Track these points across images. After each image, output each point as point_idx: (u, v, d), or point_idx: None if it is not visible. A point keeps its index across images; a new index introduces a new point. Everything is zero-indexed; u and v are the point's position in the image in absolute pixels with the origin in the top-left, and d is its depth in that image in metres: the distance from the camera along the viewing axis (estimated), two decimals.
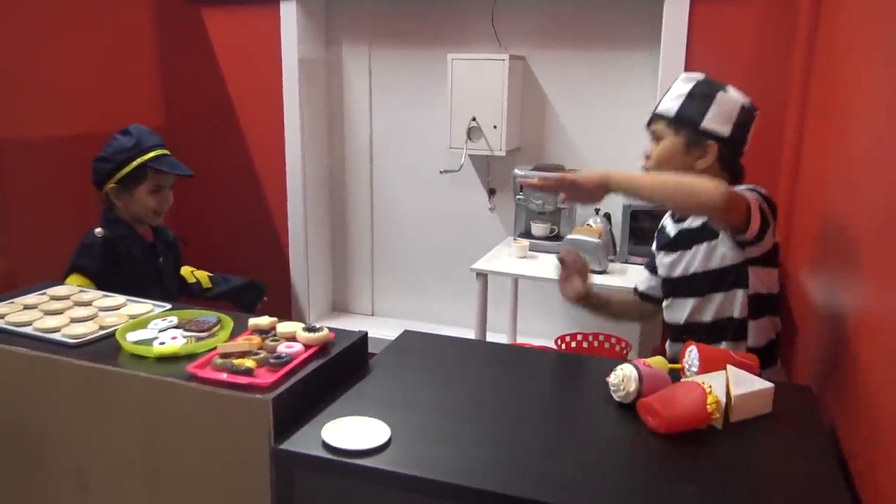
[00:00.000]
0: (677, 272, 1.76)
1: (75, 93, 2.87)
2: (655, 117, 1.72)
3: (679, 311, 1.78)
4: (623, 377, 1.36)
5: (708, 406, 1.26)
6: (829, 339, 1.62)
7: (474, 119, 2.78)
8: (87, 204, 3.00)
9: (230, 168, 3.31)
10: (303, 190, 3.17)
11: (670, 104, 1.68)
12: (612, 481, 1.15)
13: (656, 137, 1.71)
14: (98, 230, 2.06)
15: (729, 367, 1.41)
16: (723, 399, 1.30)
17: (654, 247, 1.93)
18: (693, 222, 1.73)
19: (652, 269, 1.92)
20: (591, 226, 2.50)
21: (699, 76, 1.70)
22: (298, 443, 1.22)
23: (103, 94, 2.99)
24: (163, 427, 1.34)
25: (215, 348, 1.39)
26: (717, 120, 1.65)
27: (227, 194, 3.36)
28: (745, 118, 1.67)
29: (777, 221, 1.64)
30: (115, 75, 3.06)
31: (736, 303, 1.67)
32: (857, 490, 1.19)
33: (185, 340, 1.45)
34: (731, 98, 1.67)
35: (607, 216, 2.64)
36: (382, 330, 2.87)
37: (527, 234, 2.70)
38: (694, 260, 1.72)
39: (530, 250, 2.58)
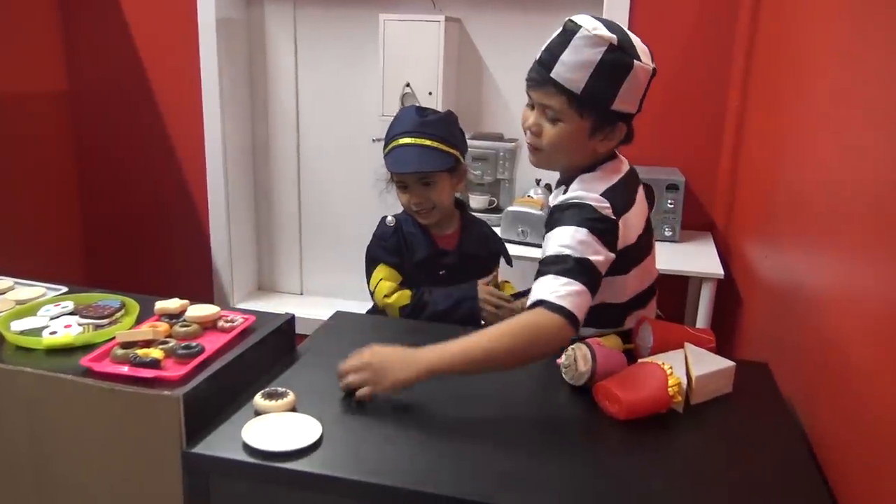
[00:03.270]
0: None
1: None
2: (547, 84, 1.28)
3: None
4: (574, 357, 1.25)
5: (669, 389, 1.17)
6: (783, 313, 1.56)
7: (408, 85, 2.62)
8: None
9: (142, 137, 3.05)
10: (223, 160, 2.94)
11: (573, 75, 1.25)
12: (569, 476, 1.03)
13: (552, 116, 1.30)
14: (390, 217, 1.79)
15: (687, 345, 1.32)
16: (684, 381, 1.20)
17: None
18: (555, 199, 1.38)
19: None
20: (531, 197, 2.38)
21: (608, 36, 1.23)
22: (214, 445, 1.06)
23: None
24: (54, 430, 1.15)
25: (115, 338, 1.21)
26: (630, 98, 1.28)
27: (139, 166, 3.10)
28: (649, 84, 1.32)
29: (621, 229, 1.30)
30: (7, 32, 2.75)
31: None
32: (824, 471, 1.11)
33: (80, 329, 1.26)
34: (645, 69, 1.27)
35: (548, 187, 2.53)
36: (312, 310, 2.70)
37: None
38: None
39: None
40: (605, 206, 1.27)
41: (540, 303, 1.16)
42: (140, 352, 1.16)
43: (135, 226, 3.18)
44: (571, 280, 1.17)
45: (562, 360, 1.27)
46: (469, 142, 2.49)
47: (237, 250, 3.09)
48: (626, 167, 1.42)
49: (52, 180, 3.06)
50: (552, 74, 1.27)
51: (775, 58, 1.91)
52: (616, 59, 1.24)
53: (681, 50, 2.43)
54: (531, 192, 2.44)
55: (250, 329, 1.32)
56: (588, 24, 1.26)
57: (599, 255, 1.22)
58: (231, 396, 1.18)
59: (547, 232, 1.28)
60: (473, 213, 1.96)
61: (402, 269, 1.73)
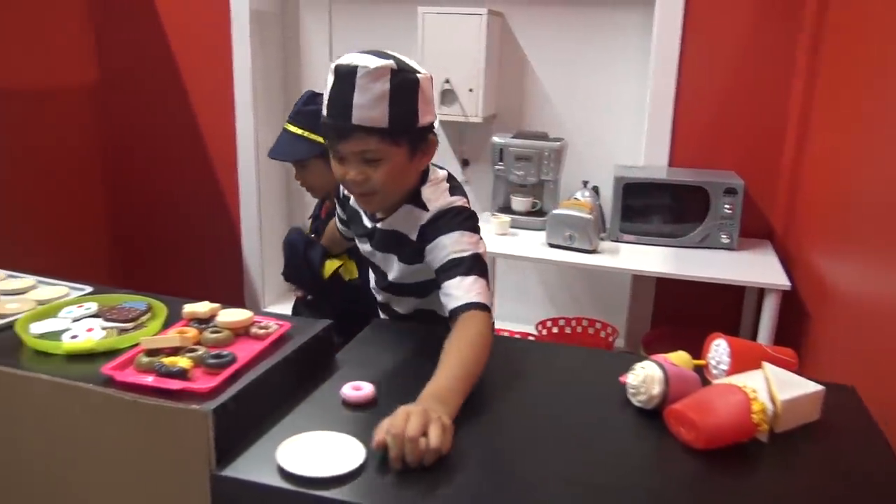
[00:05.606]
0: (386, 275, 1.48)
1: None
2: (354, 131, 1.24)
3: (403, 306, 1.53)
4: (645, 378, 1.12)
5: (754, 415, 1.04)
6: (868, 331, 1.41)
7: (447, 81, 2.51)
8: (8, 165, 2.65)
9: (172, 134, 2.98)
10: (255, 158, 2.86)
11: (374, 113, 1.23)
12: None
13: (370, 157, 1.27)
14: None
15: (766, 364, 1.19)
16: (769, 406, 1.07)
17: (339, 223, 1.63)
18: (387, 225, 1.41)
19: None
20: (578, 199, 2.26)
21: (386, 63, 1.22)
22: (246, 468, 0.95)
23: (25, 48, 2.63)
24: (70, 443, 1.06)
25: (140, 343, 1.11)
26: (427, 108, 1.29)
27: (168, 162, 3.02)
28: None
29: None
30: (38, 24, 2.69)
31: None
32: None
33: (103, 333, 1.16)
34: (426, 77, 1.28)
35: (595, 189, 2.41)
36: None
37: (506, 208, 2.45)
38: (390, 266, 1.45)
39: (511, 227, 2.33)
40: (465, 203, 1.37)
41: (469, 306, 1.22)
42: (166, 360, 1.05)
43: (163, 222, 3.11)
44: (476, 277, 1.25)
45: (628, 379, 1.15)
46: (511, 141, 2.39)
47: (269, 252, 3.00)
48: (442, 173, 1.44)
49: (79, 174, 3.00)
50: (354, 121, 1.24)
51: (847, 54, 1.77)
52: (402, 81, 1.25)
53: (737, 46, 2.29)
54: (577, 195, 2.32)
55: (286, 336, 1.21)
56: (360, 60, 1.24)
57: (481, 246, 1.32)
58: (265, 411, 1.07)
59: (428, 243, 1.32)
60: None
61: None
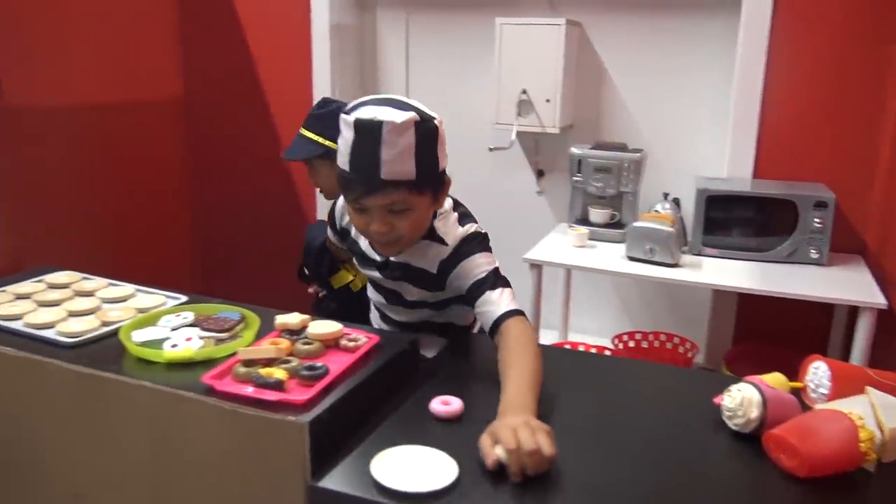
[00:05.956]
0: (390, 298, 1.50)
1: (87, 60, 2.63)
2: (384, 187, 1.24)
3: (413, 317, 1.52)
4: (742, 400, 1.09)
5: (861, 444, 0.99)
6: None
7: (524, 91, 2.50)
8: (100, 179, 2.78)
9: (253, 144, 3.06)
10: None
11: (402, 167, 1.23)
12: None
13: (399, 209, 1.27)
14: None
15: (870, 389, 1.14)
16: (877, 433, 1.03)
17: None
18: (402, 259, 1.42)
19: None
20: (659, 212, 2.21)
21: (411, 116, 1.21)
22: (342, 480, 0.97)
23: (117, 62, 2.75)
24: (173, 449, 1.09)
25: (236, 353, 1.14)
26: (444, 152, 1.32)
27: (250, 172, 3.11)
28: None
29: None
30: (130, 40, 2.81)
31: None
32: None
33: (201, 343, 1.20)
34: (439, 121, 1.30)
35: (676, 201, 2.36)
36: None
37: (584, 220, 2.42)
38: (406, 291, 1.46)
39: (588, 239, 2.31)
40: (477, 229, 1.41)
41: (507, 315, 1.28)
42: (263, 371, 1.08)
43: (243, 232, 3.19)
44: (502, 288, 1.32)
45: (723, 401, 1.12)
46: (590, 152, 2.36)
47: None
48: (448, 201, 1.46)
49: (165, 185, 3.12)
50: (383, 176, 1.23)
51: None
52: (426, 131, 1.25)
53: (827, 52, 2.21)
54: (658, 207, 2.27)
55: (374, 349, 1.22)
56: (383, 115, 1.22)
57: (496, 262, 1.38)
58: (356, 423, 1.09)
59: (450, 273, 1.36)
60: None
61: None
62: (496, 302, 1.29)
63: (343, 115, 1.27)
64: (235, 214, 3.19)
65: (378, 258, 1.45)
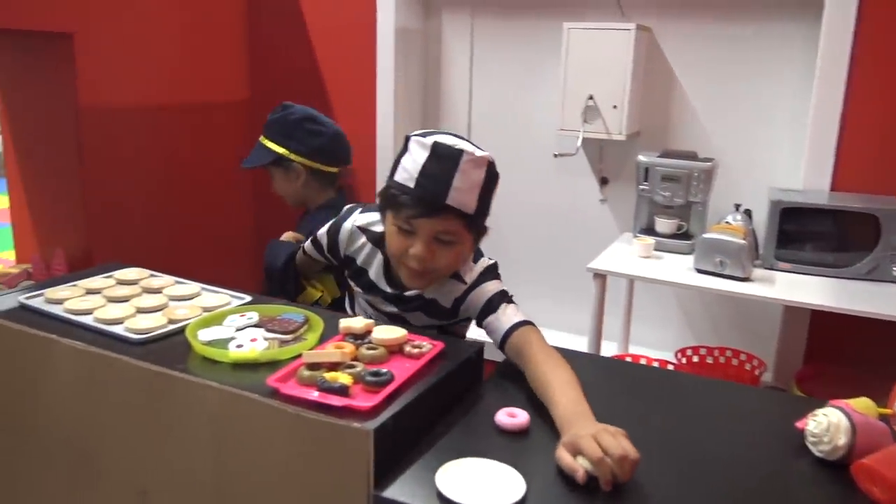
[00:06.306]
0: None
1: (158, 62, 2.69)
2: (443, 210, 1.28)
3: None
4: (829, 426, 1.03)
5: None
6: None
7: (591, 97, 2.45)
8: (168, 178, 2.84)
9: None
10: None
11: (467, 198, 1.28)
12: None
13: (447, 240, 1.31)
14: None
15: None
16: None
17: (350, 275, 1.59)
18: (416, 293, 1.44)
19: None
20: (730, 223, 2.13)
21: (487, 155, 1.30)
22: (406, 490, 0.95)
23: (186, 64, 2.81)
24: (237, 450, 1.09)
25: (300, 356, 1.13)
26: (492, 202, 1.37)
27: None
28: None
29: None
30: (199, 43, 2.86)
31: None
32: None
33: (266, 344, 1.19)
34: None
35: (748, 213, 2.27)
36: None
37: (649, 230, 2.35)
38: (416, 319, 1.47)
39: (654, 249, 2.24)
40: (487, 260, 1.44)
41: (516, 325, 1.30)
42: (328, 375, 1.07)
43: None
44: (507, 304, 1.35)
45: (808, 426, 1.06)
46: (658, 160, 2.30)
47: None
48: None
49: (230, 187, 3.16)
50: (448, 201, 1.27)
51: None
52: (492, 174, 1.33)
53: None
54: (729, 218, 2.19)
55: (439, 357, 1.20)
56: (462, 145, 1.29)
57: (502, 284, 1.41)
58: (420, 432, 1.07)
59: (462, 304, 1.40)
60: (325, 209, 1.99)
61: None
62: (505, 317, 1.32)
63: (417, 138, 1.30)
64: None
65: (389, 290, 1.46)
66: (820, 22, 2.18)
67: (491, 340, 1.34)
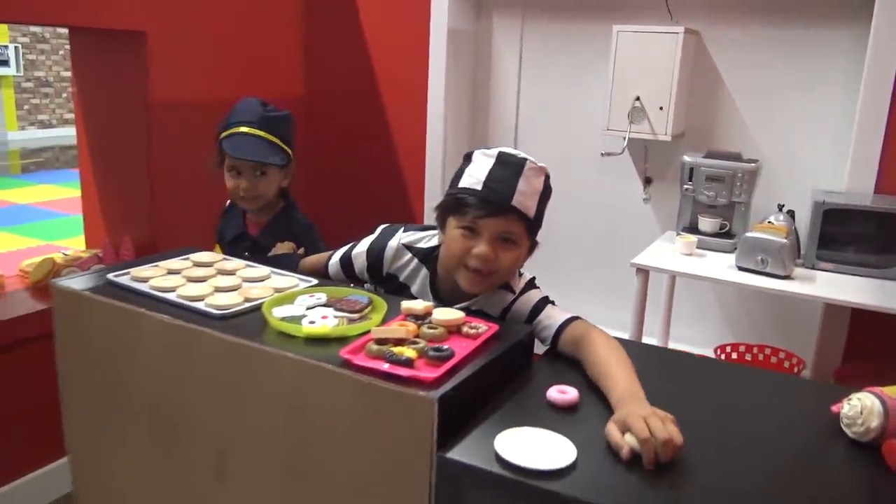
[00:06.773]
0: None
1: (221, 59, 2.83)
2: (508, 212, 1.38)
3: None
4: (863, 409, 1.09)
5: None
6: None
7: (638, 99, 2.52)
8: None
9: (369, 141, 3.20)
10: (442, 167, 3.01)
11: (529, 202, 1.41)
12: None
13: (506, 238, 1.40)
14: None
15: None
16: None
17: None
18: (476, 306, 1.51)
19: None
20: (772, 223, 2.19)
21: (544, 166, 1.45)
22: (468, 453, 1.04)
23: (246, 61, 2.94)
24: (310, 416, 1.19)
25: (367, 332, 1.24)
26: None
27: (365, 167, 3.25)
28: None
29: None
30: (259, 41, 3.00)
31: None
32: None
33: (336, 321, 1.30)
34: None
35: (791, 213, 2.32)
36: None
37: (691, 229, 2.42)
38: None
39: (696, 247, 2.30)
40: (528, 275, 1.53)
41: (568, 321, 1.40)
42: (395, 349, 1.17)
43: (357, 233, 3.32)
44: (551, 305, 1.46)
45: (843, 408, 1.12)
46: (703, 161, 2.36)
47: None
48: None
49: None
50: (514, 203, 1.38)
51: None
52: (548, 185, 1.46)
53: None
54: (772, 218, 2.24)
55: (494, 338, 1.29)
56: (524, 155, 1.42)
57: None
58: (478, 404, 1.16)
59: (511, 308, 1.47)
60: (296, 210, 2.05)
61: (223, 248, 1.94)
62: (553, 315, 1.41)
63: (481, 150, 1.44)
64: (349, 214, 3.34)
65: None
66: (868, 27, 2.22)
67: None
